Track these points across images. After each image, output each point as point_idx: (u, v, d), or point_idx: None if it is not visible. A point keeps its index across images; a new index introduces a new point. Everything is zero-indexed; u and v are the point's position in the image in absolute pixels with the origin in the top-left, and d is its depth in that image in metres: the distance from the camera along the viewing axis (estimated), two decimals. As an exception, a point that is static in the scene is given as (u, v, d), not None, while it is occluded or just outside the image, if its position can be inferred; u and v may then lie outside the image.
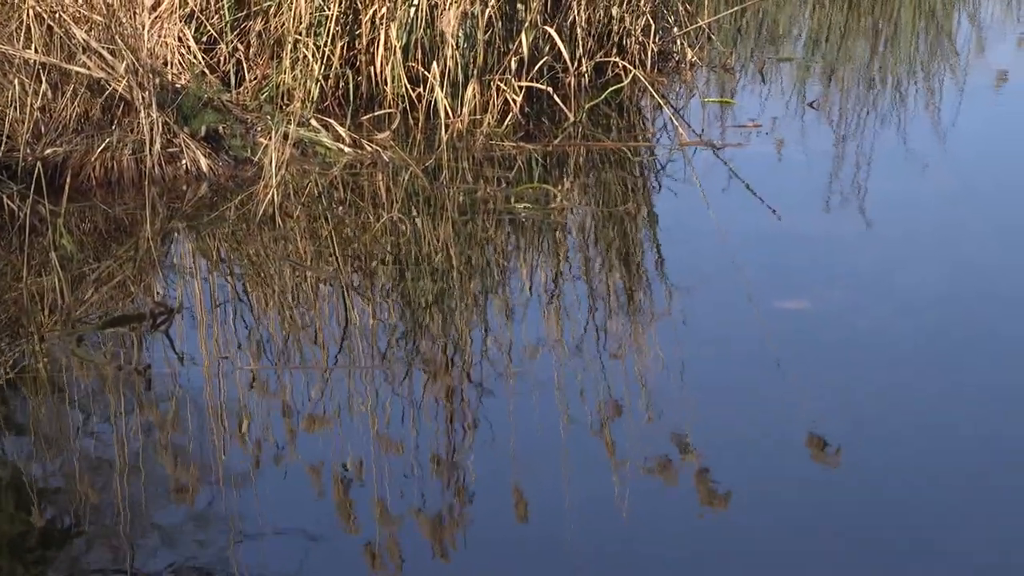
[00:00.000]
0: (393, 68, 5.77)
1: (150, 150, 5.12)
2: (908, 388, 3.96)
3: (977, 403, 3.85)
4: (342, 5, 5.74)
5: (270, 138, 5.27)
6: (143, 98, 5.11)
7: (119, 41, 5.18)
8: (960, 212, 5.25)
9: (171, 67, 5.45)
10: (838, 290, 4.64)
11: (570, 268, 4.87)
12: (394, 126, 5.68)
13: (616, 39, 6.27)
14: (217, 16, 5.78)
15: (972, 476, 3.45)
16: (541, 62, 5.90)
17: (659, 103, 6.04)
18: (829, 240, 5.04)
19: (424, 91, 5.73)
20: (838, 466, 3.48)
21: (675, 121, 5.92)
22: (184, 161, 5.19)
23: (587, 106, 5.94)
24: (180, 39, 5.57)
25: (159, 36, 5.48)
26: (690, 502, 3.30)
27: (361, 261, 4.86)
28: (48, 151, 5.02)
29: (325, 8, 5.70)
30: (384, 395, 3.92)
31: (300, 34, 5.70)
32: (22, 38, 5.15)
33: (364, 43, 5.86)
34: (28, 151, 4.95)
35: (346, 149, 5.44)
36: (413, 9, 5.71)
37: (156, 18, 5.51)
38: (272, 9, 5.79)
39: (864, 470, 3.46)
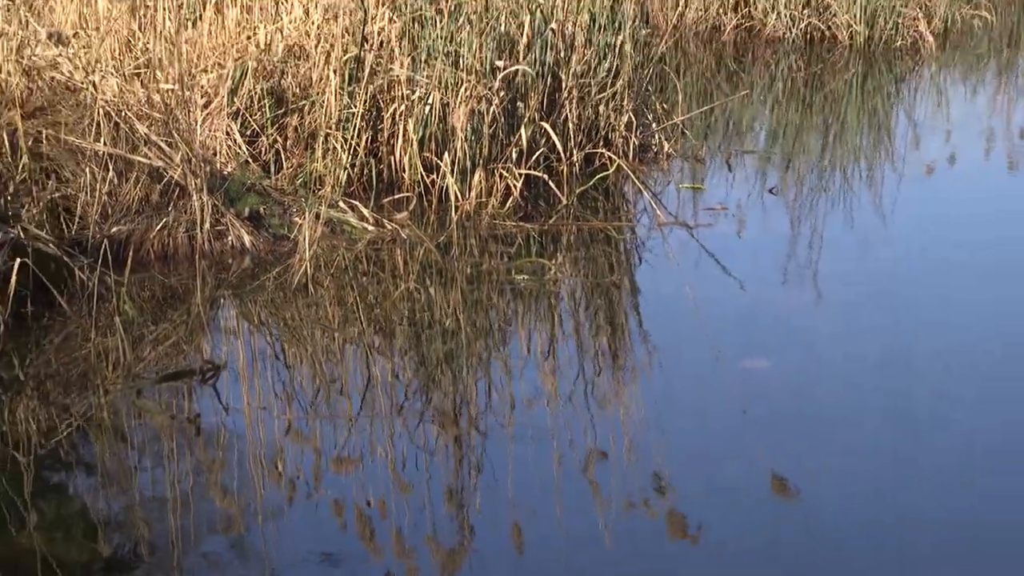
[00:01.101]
0: (410, 157, 5.76)
1: (201, 228, 5.12)
2: (856, 435, 3.97)
3: (921, 449, 3.87)
4: (366, 104, 5.73)
5: (304, 218, 5.26)
6: (195, 184, 5.11)
7: (175, 135, 5.19)
8: (900, 282, 5.24)
9: (219, 156, 5.45)
10: (795, 352, 4.64)
11: (562, 331, 4.87)
12: (411, 207, 5.66)
13: (603, 133, 6.27)
14: (259, 113, 5.77)
15: (917, 513, 3.45)
16: (538, 152, 5.89)
17: (640, 188, 6.03)
18: (787, 308, 5.02)
19: (437, 177, 5.71)
20: (798, 503, 3.50)
21: (654, 204, 5.91)
22: (230, 238, 5.18)
23: (578, 191, 5.92)
24: (227, 133, 5.56)
25: (210, 130, 5.49)
26: (664, 534, 3.33)
27: (382, 324, 4.86)
28: (114, 229, 5.01)
29: (352, 106, 5.69)
30: (401, 441, 3.93)
31: (330, 128, 5.70)
32: (93, 132, 5.16)
33: (385, 136, 5.86)
34: (97, 229, 4.95)
35: (369, 227, 5.43)
36: (428, 107, 5.72)
37: (207, 115, 5.53)
38: (306, 107, 5.79)
39: (819, 509, 3.47)
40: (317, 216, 5.27)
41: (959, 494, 3.61)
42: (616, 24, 6.27)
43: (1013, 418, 4.10)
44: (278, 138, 5.77)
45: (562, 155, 5.97)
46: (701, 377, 4.42)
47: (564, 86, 6.05)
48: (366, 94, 5.71)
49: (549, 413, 4.15)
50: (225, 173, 5.36)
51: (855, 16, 8.49)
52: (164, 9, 5.78)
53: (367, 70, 5.69)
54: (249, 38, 5.93)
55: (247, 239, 5.18)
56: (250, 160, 5.59)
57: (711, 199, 6.07)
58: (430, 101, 5.71)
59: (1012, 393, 4.30)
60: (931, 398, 4.23)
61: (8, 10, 5.90)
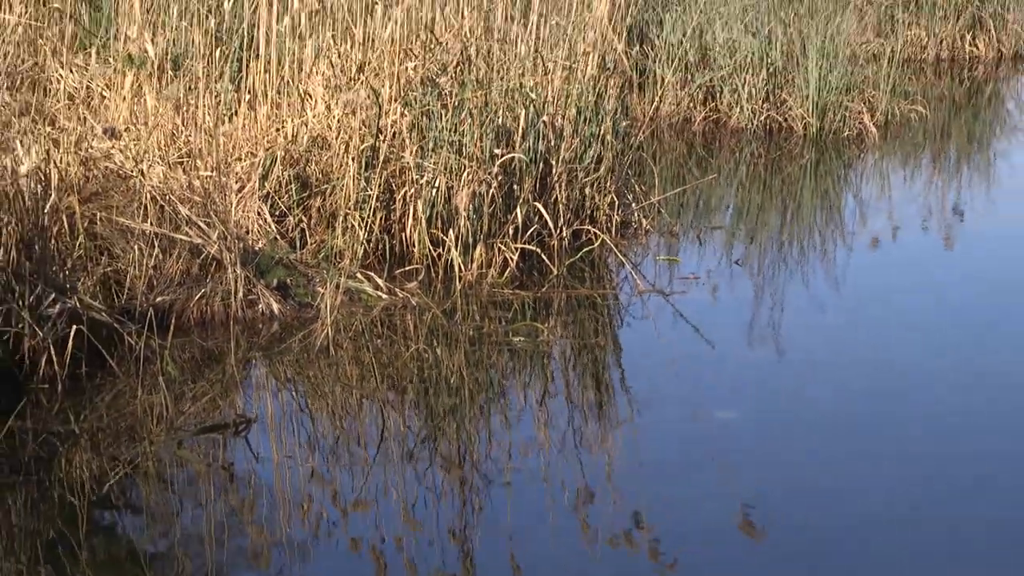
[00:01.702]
0: (419, 234, 5.74)
1: (235, 297, 5.10)
2: (817, 478, 3.98)
3: (878, 490, 3.88)
4: (381, 187, 5.73)
5: (326, 287, 5.25)
6: (230, 258, 5.10)
7: (213, 215, 5.19)
8: (852, 342, 5.25)
9: (252, 234, 5.43)
10: (760, 403, 4.65)
11: (554, 386, 4.87)
12: (420, 278, 5.63)
13: (589, 212, 6.25)
14: (287, 196, 5.76)
15: (878, 550, 3.44)
16: (532, 229, 5.88)
17: (622, 260, 6.03)
18: (752, 364, 5.03)
19: (443, 251, 5.70)
20: (763, 540, 3.50)
21: (634, 274, 5.91)
22: (261, 305, 5.16)
23: (567, 263, 5.91)
24: (259, 213, 5.55)
25: (243, 211, 5.48)
26: (645, 566, 3.32)
27: (394, 381, 4.85)
28: (158, 299, 5.00)
29: (368, 189, 5.69)
30: (412, 484, 3.93)
31: (349, 209, 5.69)
32: (141, 214, 5.17)
33: (397, 215, 5.85)
34: (143, 299, 4.95)
35: (383, 296, 5.40)
36: (434, 190, 5.72)
37: (241, 198, 5.52)
38: (328, 190, 5.78)
39: (783, 546, 3.48)
40: (337, 286, 5.27)
41: (922, 531, 3.62)
42: (599, 117, 6.28)
43: (960, 467, 4.10)
44: (303, 217, 5.75)
45: (553, 231, 5.96)
46: (677, 426, 4.42)
47: (554, 171, 6.05)
48: (380, 179, 5.71)
49: (542, 459, 4.16)
50: (256, 248, 5.35)
51: (808, 110, 8.52)
52: (204, 106, 5.81)
53: (381, 158, 5.70)
54: (278, 130, 5.93)
55: (275, 307, 5.16)
56: (278, 237, 5.57)
57: (685, 269, 6.07)
58: (436, 184, 5.71)
59: (958, 440, 4.32)
60: (884, 444, 4.25)
61: (69, 108, 5.96)
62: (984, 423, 4.45)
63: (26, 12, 6.52)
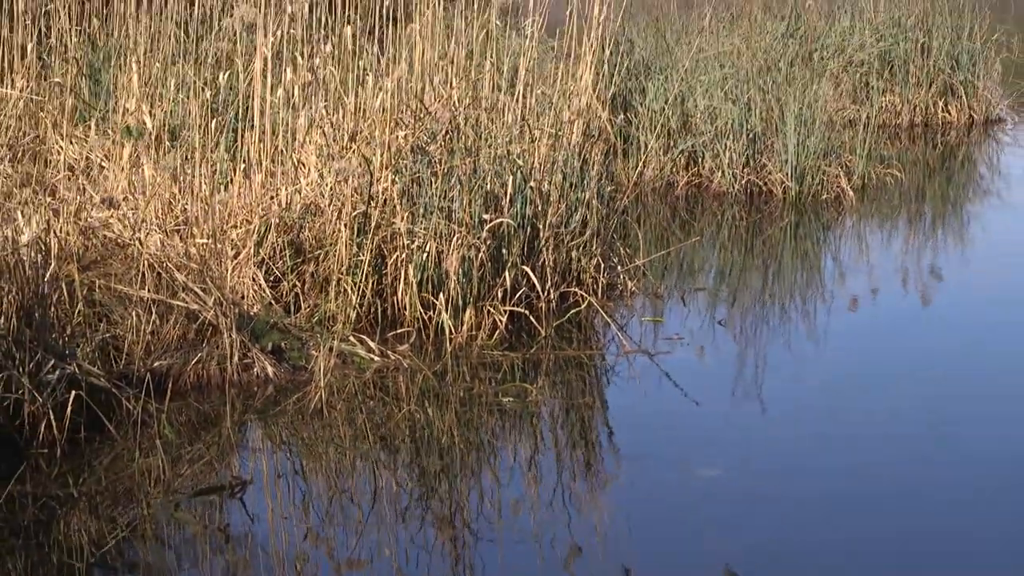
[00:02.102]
0: (410, 297, 5.74)
1: (231, 361, 5.10)
2: (800, 532, 4.01)
3: (860, 543, 3.88)
4: (372, 252, 5.73)
5: (319, 351, 5.25)
6: (226, 323, 5.11)
7: (209, 282, 5.19)
8: (833, 398, 5.27)
9: (247, 299, 5.45)
10: (744, 460, 4.65)
11: (543, 444, 4.88)
12: (411, 340, 5.63)
13: (575, 274, 6.25)
14: (281, 262, 5.77)
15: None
16: (520, 292, 5.87)
17: (608, 322, 6.03)
18: (735, 423, 5.04)
19: (434, 314, 5.69)
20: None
21: (620, 335, 5.93)
22: (256, 369, 5.16)
23: (554, 324, 5.91)
24: (254, 279, 5.56)
25: (238, 277, 5.50)
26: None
27: (387, 441, 4.85)
28: (156, 364, 5.00)
29: (360, 255, 5.71)
30: (404, 542, 3.94)
31: (342, 274, 5.69)
32: (139, 281, 5.18)
33: (389, 279, 5.84)
34: (141, 364, 4.95)
35: (376, 358, 5.41)
36: (425, 254, 5.72)
37: (236, 264, 5.55)
38: (321, 256, 5.79)
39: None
40: (330, 349, 5.28)
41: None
42: (585, 182, 6.30)
43: (938, 520, 4.11)
44: (297, 282, 5.75)
45: (541, 294, 5.96)
46: (662, 482, 4.43)
47: (541, 235, 6.07)
48: (372, 244, 5.72)
49: (532, 515, 4.17)
50: (251, 313, 5.36)
51: (787, 174, 8.57)
52: (200, 175, 5.84)
53: (373, 224, 5.71)
54: (272, 198, 5.94)
55: (270, 370, 5.16)
56: (273, 302, 5.58)
57: (669, 330, 6.08)
58: (427, 249, 5.72)
59: (935, 487, 4.34)
60: (865, 500, 4.25)
61: (69, 179, 5.99)
62: (962, 474, 4.47)
63: (28, 86, 6.60)
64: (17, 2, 6.87)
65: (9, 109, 6.44)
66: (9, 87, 6.57)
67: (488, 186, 5.85)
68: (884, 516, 4.09)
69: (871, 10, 11.70)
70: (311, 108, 6.28)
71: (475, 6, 6.57)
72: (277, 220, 5.80)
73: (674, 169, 8.92)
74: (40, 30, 7.05)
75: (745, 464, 4.59)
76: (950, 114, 11.41)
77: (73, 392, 4.46)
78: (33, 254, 4.61)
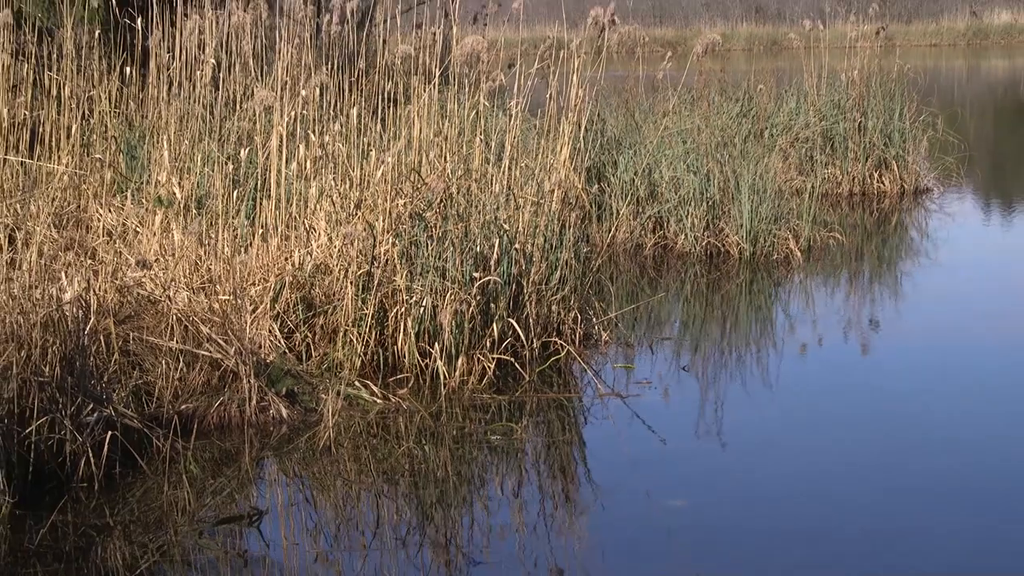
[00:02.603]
0: (409, 347, 5.73)
1: (249, 404, 5.11)
2: (761, 559, 4.01)
3: (819, 564, 3.91)
4: (375, 307, 5.72)
5: (328, 395, 5.25)
6: (245, 370, 5.12)
7: (231, 334, 5.20)
8: (788, 435, 5.29)
9: (264, 349, 5.42)
10: (705, 491, 4.65)
11: (527, 478, 4.88)
12: (410, 385, 5.63)
13: (556, 326, 6.22)
14: (294, 315, 5.75)
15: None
16: (506, 341, 5.87)
17: (584, 368, 6.03)
18: (699, 458, 5.04)
19: (430, 361, 5.68)
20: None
21: (595, 380, 5.92)
22: (272, 411, 5.16)
23: (537, 370, 5.91)
24: (270, 331, 5.55)
25: (256, 329, 5.47)
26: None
27: (388, 475, 4.85)
28: (183, 407, 5.01)
29: (364, 309, 5.70)
30: (404, 566, 3.95)
31: (348, 326, 5.68)
32: (168, 333, 5.20)
33: (390, 331, 5.80)
34: (170, 407, 4.96)
35: (378, 401, 5.41)
36: (422, 309, 5.71)
37: (254, 317, 5.53)
38: (330, 310, 5.77)
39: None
40: (338, 393, 5.28)
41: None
42: (563, 244, 6.29)
43: (893, 545, 4.10)
44: (308, 334, 5.74)
45: (525, 343, 5.94)
46: (633, 512, 4.45)
47: (525, 291, 6.06)
48: (375, 299, 5.71)
49: (518, 540, 4.19)
50: (268, 361, 5.34)
51: (742, 237, 8.57)
52: (223, 239, 5.85)
53: (376, 282, 5.70)
54: (286, 259, 5.93)
55: (284, 412, 5.17)
56: (287, 351, 5.56)
57: (639, 375, 6.07)
58: (424, 304, 5.71)
59: (885, 514, 4.34)
60: (817, 523, 4.26)
61: (107, 243, 5.99)
62: (913, 501, 4.49)
63: (72, 162, 6.61)
64: (63, 88, 6.91)
65: (56, 182, 6.45)
66: (56, 163, 6.58)
67: (478, 248, 5.86)
68: (839, 543, 4.10)
69: (814, 93, 11.72)
70: (321, 179, 6.29)
71: (466, 89, 6.59)
72: (291, 278, 5.78)
73: (642, 232, 8.89)
74: (84, 113, 7.08)
75: (708, 496, 4.60)
76: (884, 185, 11.40)
77: (109, 432, 4.48)
78: (75, 310, 4.62)
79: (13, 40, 6.58)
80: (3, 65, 6.50)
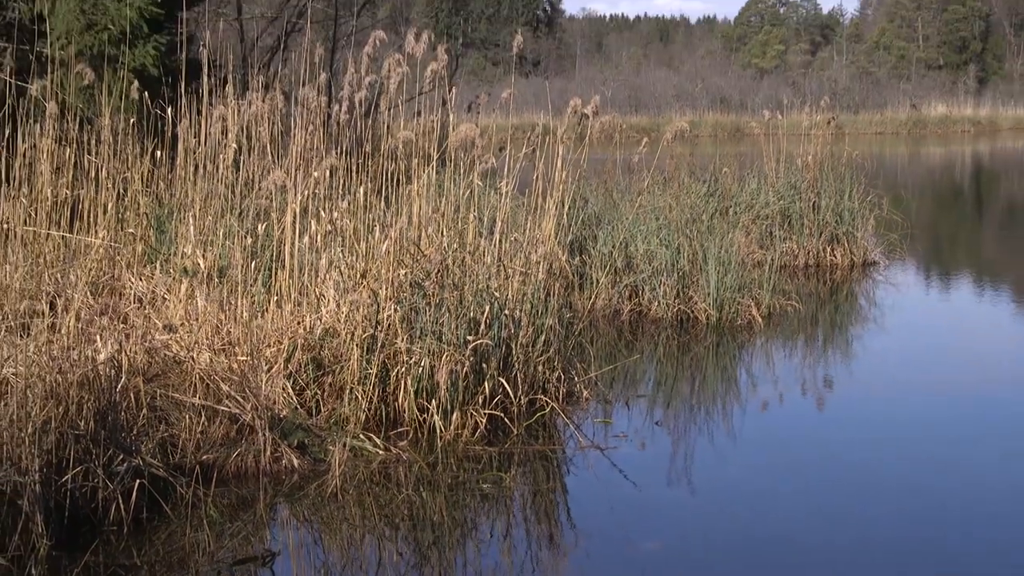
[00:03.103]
0: (408, 403, 5.74)
1: (264, 455, 5.12)
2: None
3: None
4: (378, 367, 5.74)
5: (335, 446, 5.26)
6: (260, 424, 5.13)
7: (247, 391, 5.22)
8: (751, 480, 5.31)
9: (277, 405, 5.44)
10: (677, 534, 4.67)
11: (515, 522, 4.89)
12: (409, 437, 5.64)
13: (541, 384, 6.23)
14: (305, 374, 5.77)
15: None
16: (496, 398, 5.89)
17: (567, 422, 6.03)
18: (670, 504, 5.06)
19: (427, 416, 5.70)
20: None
21: (577, 433, 5.93)
22: (284, 461, 5.17)
23: (524, 424, 5.91)
24: (283, 388, 5.56)
25: (271, 387, 5.48)
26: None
27: (390, 519, 4.85)
28: (204, 457, 5.02)
29: (369, 369, 5.72)
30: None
31: (354, 384, 5.70)
32: (191, 391, 5.22)
33: (392, 388, 5.82)
34: (192, 457, 4.97)
35: (380, 452, 5.42)
36: (421, 368, 5.73)
37: (269, 376, 5.54)
38: (337, 370, 5.79)
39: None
40: (344, 445, 5.30)
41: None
42: (548, 310, 6.32)
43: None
44: (318, 391, 5.75)
45: (513, 400, 5.96)
46: (611, 553, 4.46)
47: (514, 352, 6.08)
48: (378, 360, 5.73)
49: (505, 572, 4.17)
50: (281, 416, 5.36)
51: (709, 304, 8.63)
52: (241, 305, 5.89)
53: (379, 344, 5.73)
54: (299, 324, 5.95)
55: (296, 462, 5.18)
56: (298, 407, 5.57)
57: (616, 429, 6.07)
58: (422, 364, 5.73)
59: (847, 551, 4.38)
60: (785, 563, 4.28)
61: (138, 309, 6.00)
62: (873, 536, 4.52)
63: (108, 235, 6.64)
64: (101, 170, 6.96)
65: (93, 254, 6.47)
66: (93, 236, 6.61)
67: (471, 313, 5.87)
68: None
69: (773, 176, 11.84)
70: (330, 251, 6.32)
71: (461, 170, 6.64)
72: (302, 341, 5.80)
73: (620, 300, 8.91)
74: (119, 191, 7.13)
75: (679, 538, 4.64)
76: (836, 258, 11.46)
77: (137, 480, 4.51)
78: (108, 370, 4.66)
79: (57, 128, 6.64)
80: (48, 150, 6.56)
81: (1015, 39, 62.81)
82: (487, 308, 5.91)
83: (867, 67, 61.25)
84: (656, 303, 8.75)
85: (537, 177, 6.73)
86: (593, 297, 8.57)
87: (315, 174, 6.45)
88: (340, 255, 6.31)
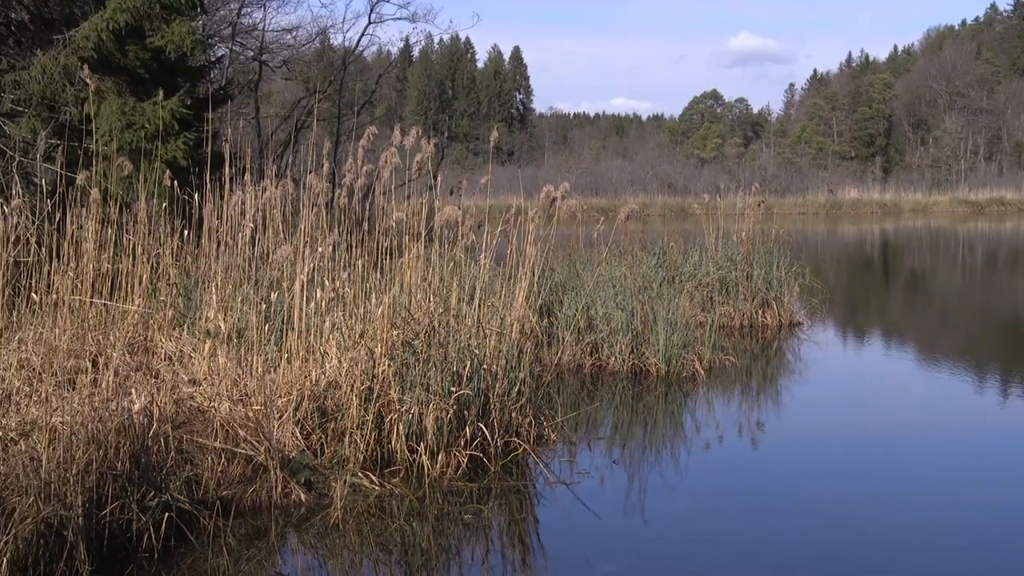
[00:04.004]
0: (400, 445, 5.72)
1: (275, 491, 5.11)
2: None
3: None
4: (374, 415, 5.72)
5: (337, 483, 5.26)
6: (272, 464, 5.14)
7: (261, 436, 5.23)
8: (695, 511, 5.34)
9: (287, 447, 5.43)
10: (632, 557, 4.67)
11: (492, 548, 4.88)
12: (401, 475, 5.62)
13: (515, 428, 6.16)
14: (311, 421, 5.75)
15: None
16: (476, 440, 5.88)
17: (537, 461, 6.03)
18: (626, 532, 5.07)
19: (416, 456, 5.69)
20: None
21: (545, 471, 5.92)
22: (293, 496, 5.16)
23: (500, 463, 5.91)
24: (292, 433, 5.55)
25: (281, 432, 5.48)
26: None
27: (384, 546, 4.82)
28: (223, 493, 5.01)
29: (366, 416, 5.71)
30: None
31: (353, 429, 5.67)
32: (213, 435, 5.22)
33: (386, 433, 5.79)
34: (213, 493, 4.96)
35: (376, 488, 5.40)
36: (411, 415, 5.72)
37: (280, 423, 5.54)
38: (339, 417, 5.75)
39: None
40: (345, 482, 5.30)
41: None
42: (521, 365, 6.33)
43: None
44: (322, 435, 5.72)
45: (490, 442, 5.95)
46: (576, 575, 4.48)
47: (491, 402, 6.07)
48: (374, 409, 5.72)
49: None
50: (290, 457, 5.36)
51: (659, 359, 8.69)
52: (256, 361, 5.90)
53: (375, 395, 5.73)
54: (306, 377, 5.94)
55: (303, 496, 5.17)
56: (305, 449, 5.55)
57: (580, 467, 6.07)
58: (412, 412, 5.73)
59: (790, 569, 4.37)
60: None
61: (167, 365, 6.00)
62: (814, 555, 4.58)
63: (142, 302, 6.65)
64: (137, 247, 7.00)
65: (129, 319, 6.48)
66: (130, 303, 6.62)
67: (454, 368, 5.88)
68: None
69: (713, 249, 11.98)
70: (333, 315, 6.32)
71: (446, 245, 6.70)
72: (309, 392, 5.79)
73: (582, 355, 8.92)
74: (152, 265, 7.15)
75: (632, 561, 4.65)
76: (766, 319, 11.54)
77: (166, 514, 4.52)
78: (142, 418, 4.70)
79: (100, 211, 6.69)
80: (93, 230, 6.60)
81: (913, 136, 64.30)
82: (468, 363, 5.93)
83: (791, 158, 62.35)
84: (613, 358, 8.76)
85: (511, 250, 6.80)
86: (559, 353, 8.59)
87: (320, 249, 6.48)
88: (341, 318, 6.32)
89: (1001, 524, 5.12)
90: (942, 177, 56.27)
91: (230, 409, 5.43)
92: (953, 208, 48.61)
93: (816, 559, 4.66)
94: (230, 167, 7.39)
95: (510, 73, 75.77)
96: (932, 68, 64.97)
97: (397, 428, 5.73)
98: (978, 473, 6.04)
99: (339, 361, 5.98)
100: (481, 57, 74.87)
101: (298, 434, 5.57)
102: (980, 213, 46.10)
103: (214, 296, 6.50)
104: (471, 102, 71.07)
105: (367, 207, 7.93)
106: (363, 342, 6.03)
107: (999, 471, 6.10)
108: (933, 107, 63.70)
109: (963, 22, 70.24)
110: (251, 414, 5.40)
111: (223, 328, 6.16)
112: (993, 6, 69.96)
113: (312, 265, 6.39)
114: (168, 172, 7.68)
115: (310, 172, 7.32)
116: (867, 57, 74.09)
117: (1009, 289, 17.45)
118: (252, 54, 16.54)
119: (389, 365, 5.81)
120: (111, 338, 6.19)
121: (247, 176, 7.17)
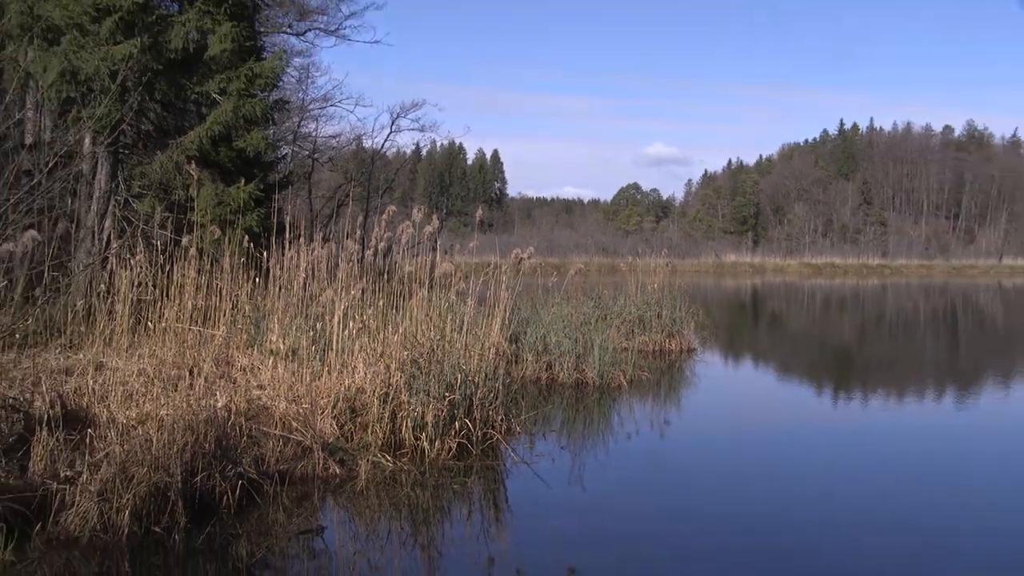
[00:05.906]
0: (408, 434, 5.65)
1: (318, 466, 5.04)
2: (599, 552, 4.01)
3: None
4: (389, 412, 5.62)
5: (363, 461, 5.20)
6: (316, 447, 5.08)
7: (308, 426, 5.20)
8: (623, 484, 5.27)
9: (326, 435, 5.35)
10: (574, 514, 4.64)
11: (474, 508, 4.83)
12: (408, 456, 5.56)
13: (491, 423, 6.13)
14: (344, 416, 5.63)
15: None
16: (463, 431, 5.83)
17: (506, 447, 5.95)
18: (571, 497, 5.01)
19: (420, 443, 5.64)
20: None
21: (512, 454, 5.87)
22: (330, 470, 5.08)
23: (480, 448, 5.85)
24: (330, 424, 5.48)
25: (322, 423, 5.42)
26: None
27: (397, 506, 4.78)
28: (280, 467, 4.92)
29: (383, 413, 5.61)
30: (407, 552, 3.96)
31: (374, 423, 5.58)
32: (273, 425, 5.16)
33: (398, 425, 5.71)
34: (274, 467, 4.85)
35: (391, 465, 5.35)
36: (416, 413, 5.66)
37: (322, 417, 5.47)
38: (364, 413, 5.63)
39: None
40: (368, 460, 5.24)
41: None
42: (496, 377, 6.27)
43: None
44: (352, 426, 5.64)
45: (473, 433, 5.90)
46: (534, 527, 4.45)
47: (474, 404, 6.03)
48: (389, 407, 5.67)
49: (471, 540, 4.14)
50: (329, 442, 5.29)
51: (596, 373, 8.70)
52: (305, 372, 5.82)
53: (390, 398, 5.68)
54: (341, 384, 5.84)
55: (338, 470, 5.10)
56: (339, 436, 5.48)
57: (537, 451, 5.97)
58: (417, 410, 5.68)
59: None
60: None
61: (242, 374, 5.96)
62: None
63: (225, 329, 6.62)
64: (222, 290, 6.98)
65: (216, 341, 6.46)
66: (217, 329, 6.60)
67: (448, 379, 5.85)
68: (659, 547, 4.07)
69: (634, 295, 12.04)
70: (361, 340, 6.25)
71: (443, 291, 6.68)
72: (343, 395, 5.72)
73: (540, 370, 8.85)
74: (233, 302, 7.14)
75: (575, 517, 4.64)
76: (672, 346, 11.56)
77: (239, 481, 4.49)
78: (223, 412, 4.70)
79: (197, 264, 6.72)
80: (191, 278, 6.62)
81: (773, 217, 65.74)
82: (458, 375, 5.92)
83: (689, 231, 63.37)
84: (563, 372, 8.71)
85: (490, 295, 6.79)
86: (524, 368, 8.57)
87: (352, 292, 6.47)
88: (367, 342, 6.27)
89: (828, 489, 5.19)
90: (793, 247, 57.84)
91: (286, 407, 5.40)
92: (800, 269, 49.79)
93: (708, 516, 4.67)
94: (289, 233, 7.43)
95: (491, 168, 76.51)
96: (786, 171, 67.04)
97: (406, 422, 5.70)
98: (812, 447, 6.22)
99: (365, 373, 5.93)
100: (470, 156, 75.56)
101: (335, 425, 5.52)
102: (819, 273, 47.08)
103: (276, 325, 6.45)
104: (463, 188, 71.66)
105: (387, 262, 7.99)
106: (382, 359, 6.01)
107: (829, 448, 6.25)
108: (787, 198, 65.54)
109: (806, 140, 73.05)
110: (301, 410, 5.37)
111: (282, 348, 6.12)
112: (825, 131, 72.96)
113: (347, 304, 6.39)
114: (246, 237, 7.74)
115: (347, 237, 7.37)
116: (741, 162, 76.06)
117: (838, 325, 17.71)
118: (307, 153, 16.75)
119: (401, 376, 5.79)
120: (203, 354, 6.16)
121: (301, 239, 7.21)
